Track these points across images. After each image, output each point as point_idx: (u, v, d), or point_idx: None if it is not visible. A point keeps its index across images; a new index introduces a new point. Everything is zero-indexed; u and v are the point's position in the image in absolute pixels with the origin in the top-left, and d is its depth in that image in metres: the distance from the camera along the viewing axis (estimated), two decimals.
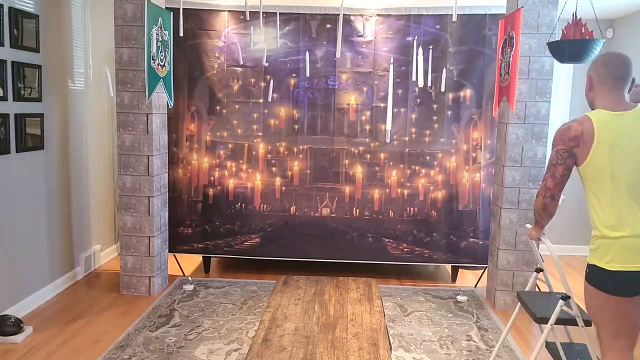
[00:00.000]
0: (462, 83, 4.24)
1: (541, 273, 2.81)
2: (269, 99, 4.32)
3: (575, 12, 2.98)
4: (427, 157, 4.33)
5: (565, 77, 5.15)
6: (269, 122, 4.36)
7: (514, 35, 3.55)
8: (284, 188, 4.40)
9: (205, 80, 4.33)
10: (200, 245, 4.45)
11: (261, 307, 3.82)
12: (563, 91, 5.18)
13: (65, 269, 4.14)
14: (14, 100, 3.45)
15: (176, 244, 4.44)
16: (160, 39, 3.88)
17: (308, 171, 4.38)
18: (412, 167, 4.34)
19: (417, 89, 4.25)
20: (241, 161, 4.40)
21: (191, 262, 4.81)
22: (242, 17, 4.23)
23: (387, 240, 4.39)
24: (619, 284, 2.04)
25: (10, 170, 3.47)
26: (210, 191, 4.43)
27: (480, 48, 4.19)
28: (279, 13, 4.15)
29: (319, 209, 4.40)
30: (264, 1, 3.71)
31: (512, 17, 3.61)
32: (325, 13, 4.24)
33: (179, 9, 3.67)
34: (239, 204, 4.42)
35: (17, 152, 3.50)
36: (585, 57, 2.84)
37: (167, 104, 4.11)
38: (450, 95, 4.26)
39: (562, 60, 2.95)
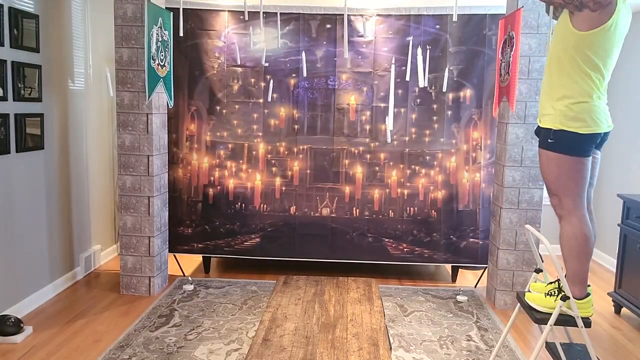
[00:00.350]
0: (462, 83, 4.24)
1: (541, 273, 2.81)
2: (269, 99, 4.32)
3: None
4: (427, 157, 4.33)
5: None
6: (269, 122, 4.36)
7: (514, 35, 3.55)
8: (284, 188, 4.40)
9: (205, 80, 4.33)
10: (200, 245, 4.45)
11: (261, 307, 3.82)
12: None
13: (65, 269, 4.14)
14: (14, 100, 3.45)
15: (176, 244, 4.44)
16: (160, 39, 3.88)
17: (308, 171, 4.38)
18: (412, 167, 4.34)
19: (417, 89, 4.25)
20: (241, 161, 4.40)
21: (191, 262, 4.81)
22: (242, 17, 4.23)
23: (387, 240, 4.39)
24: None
25: (10, 170, 3.47)
26: (210, 191, 4.43)
27: (480, 48, 4.19)
28: (279, 13, 4.15)
29: (319, 209, 4.40)
30: (264, 1, 3.71)
31: (512, 17, 3.61)
32: (325, 13, 4.24)
33: (179, 9, 3.67)
34: (239, 204, 4.42)
35: (17, 152, 3.50)
36: None
37: (167, 104, 4.11)
38: (450, 95, 4.26)
39: None
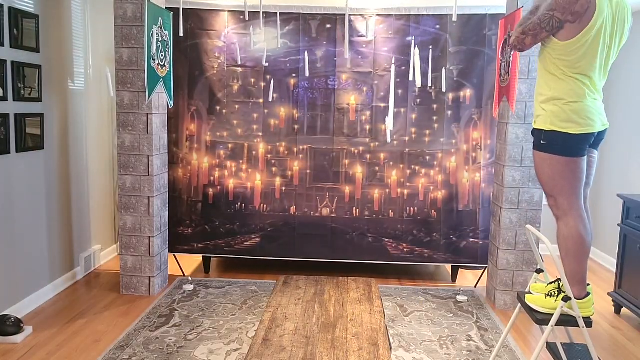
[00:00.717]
0: (462, 83, 4.24)
1: (542, 274, 2.81)
2: (269, 99, 4.32)
3: None
4: (427, 157, 4.33)
5: None
6: (269, 122, 4.36)
7: None
8: (284, 188, 4.40)
9: (205, 80, 4.33)
10: (200, 245, 4.45)
11: (261, 307, 3.82)
12: None
13: (65, 269, 4.14)
14: (14, 100, 3.44)
15: (176, 244, 4.44)
16: (160, 39, 3.88)
17: (308, 171, 4.38)
18: (412, 167, 4.34)
19: (417, 89, 4.25)
20: (241, 161, 4.40)
21: (191, 262, 4.81)
22: (242, 17, 4.24)
23: (387, 240, 4.39)
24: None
25: (10, 170, 3.47)
26: (210, 191, 4.43)
27: (480, 48, 4.19)
28: (279, 13, 4.15)
29: (319, 209, 4.40)
30: (264, 1, 3.71)
31: (512, 17, 3.61)
32: (325, 13, 4.24)
33: (179, 9, 3.67)
34: (239, 204, 4.42)
35: (17, 152, 3.50)
36: None
37: (167, 104, 4.11)
38: (450, 95, 4.26)
39: None
